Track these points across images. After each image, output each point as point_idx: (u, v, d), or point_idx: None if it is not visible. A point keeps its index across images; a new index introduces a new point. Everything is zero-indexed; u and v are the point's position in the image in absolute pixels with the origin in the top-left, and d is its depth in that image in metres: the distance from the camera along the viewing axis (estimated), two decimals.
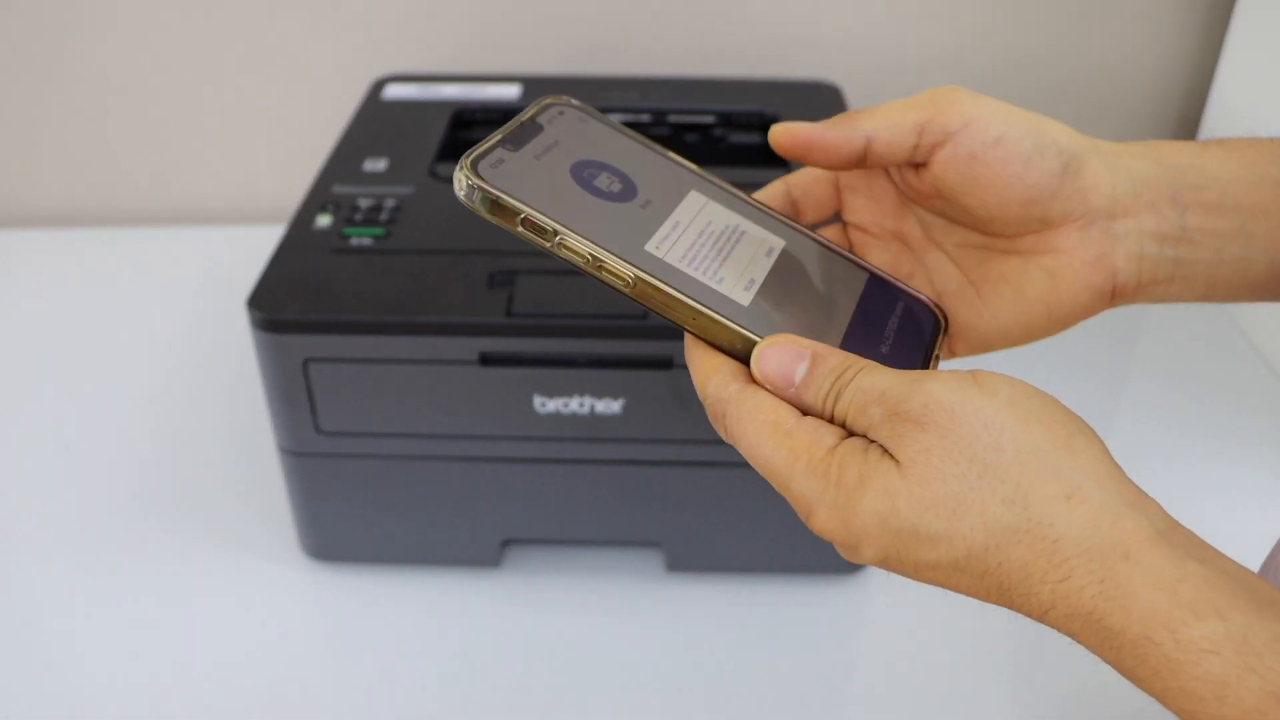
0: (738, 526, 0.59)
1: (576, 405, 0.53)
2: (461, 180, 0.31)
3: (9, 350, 0.79)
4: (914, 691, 0.56)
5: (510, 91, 0.75)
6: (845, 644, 0.58)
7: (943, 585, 0.29)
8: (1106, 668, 0.29)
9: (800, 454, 0.30)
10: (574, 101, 0.35)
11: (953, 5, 0.88)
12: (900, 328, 0.33)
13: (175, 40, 0.89)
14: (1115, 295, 0.35)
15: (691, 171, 0.36)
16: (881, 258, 0.38)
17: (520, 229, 0.31)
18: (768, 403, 0.31)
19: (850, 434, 0.30)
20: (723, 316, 0.31)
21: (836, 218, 0.40)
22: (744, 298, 0.32)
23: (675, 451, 0.55)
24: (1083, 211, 0.34)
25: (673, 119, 0.73)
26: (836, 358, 0.31)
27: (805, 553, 0.60)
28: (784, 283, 0.33)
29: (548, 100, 0.35)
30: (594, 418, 0.54)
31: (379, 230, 0.57)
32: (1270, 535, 0.65)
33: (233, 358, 0.76)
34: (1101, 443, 0.29)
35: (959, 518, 0.27)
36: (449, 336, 0.51)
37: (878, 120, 0.35)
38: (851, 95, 0.78)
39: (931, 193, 0.36)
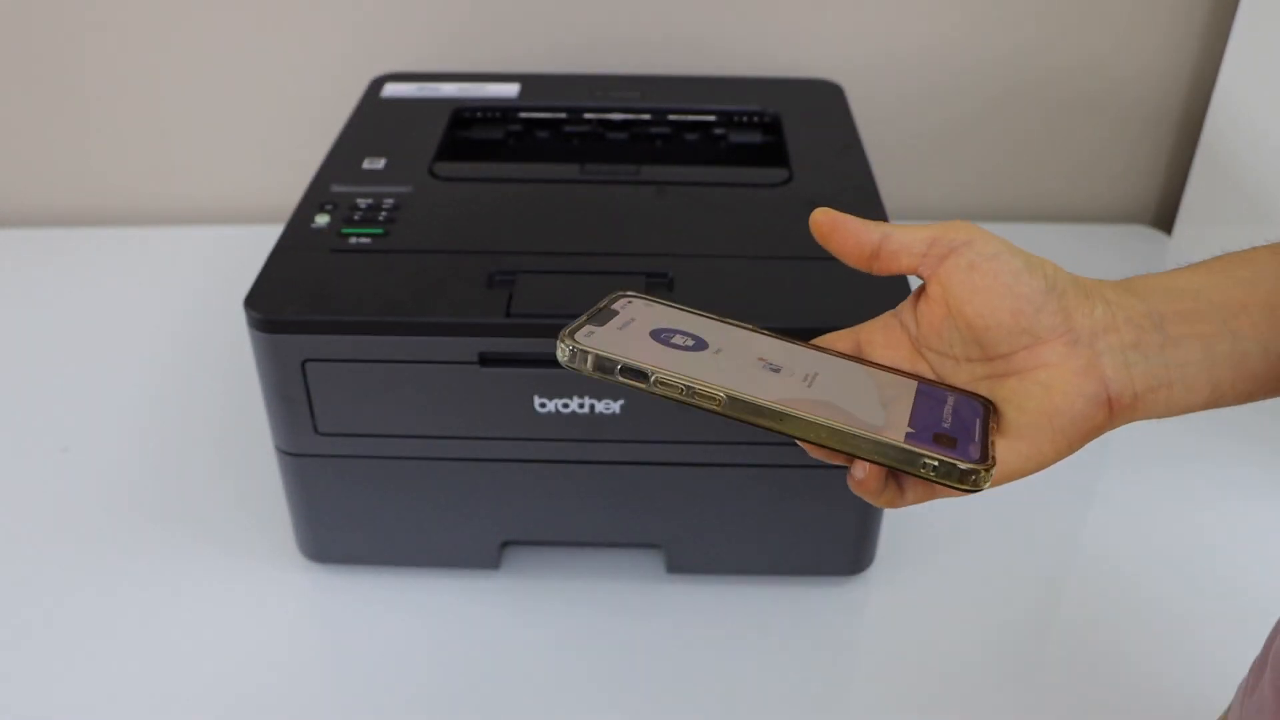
0: (738, 528, 0.58)
1: (576, 405, 0.53)
2: (565, 347, 0.37)
3: (7, 350, 0.79)
4: (913, 692, 0.55)
5: (509, 90, 0.74)
6: (845, 645, 0.58)
7: None
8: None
9: None
10: (633, 292, 0.42)
11: (955, 5, 0.88)
12: (955, 413, 0.38)
13: (174, 40, 0.88)
14: (1114, 405, 0.38)
15: (750, 330, 0.41)
16: None
17: (619, 377, 0.37)
18: None
19: None
20: (813, 415, 0.37)
21: None
22: (823, 402, 0.38)
23: (675, 452, 0.55)
24: (1066, 329, 0.38)
25: (673, 117, 0.72)
26: None
27: (805, 554, 0.59)
28: (849, 390, 0.39)
29: (616, 293, 0.41)
30: (594, 418, 0.53)
31: (378, 230, 0.57)
32: (1270, 539, 0.65)
33: (231, 358, 0.76)
34: None
35: None
36: (448, 336, 0.51)
37: (897, 227, 0.40)
38: (853, 94, 0.78)
39: (940, 312, 0.39)
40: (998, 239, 0.39)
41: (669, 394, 0.37)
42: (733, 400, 0.37)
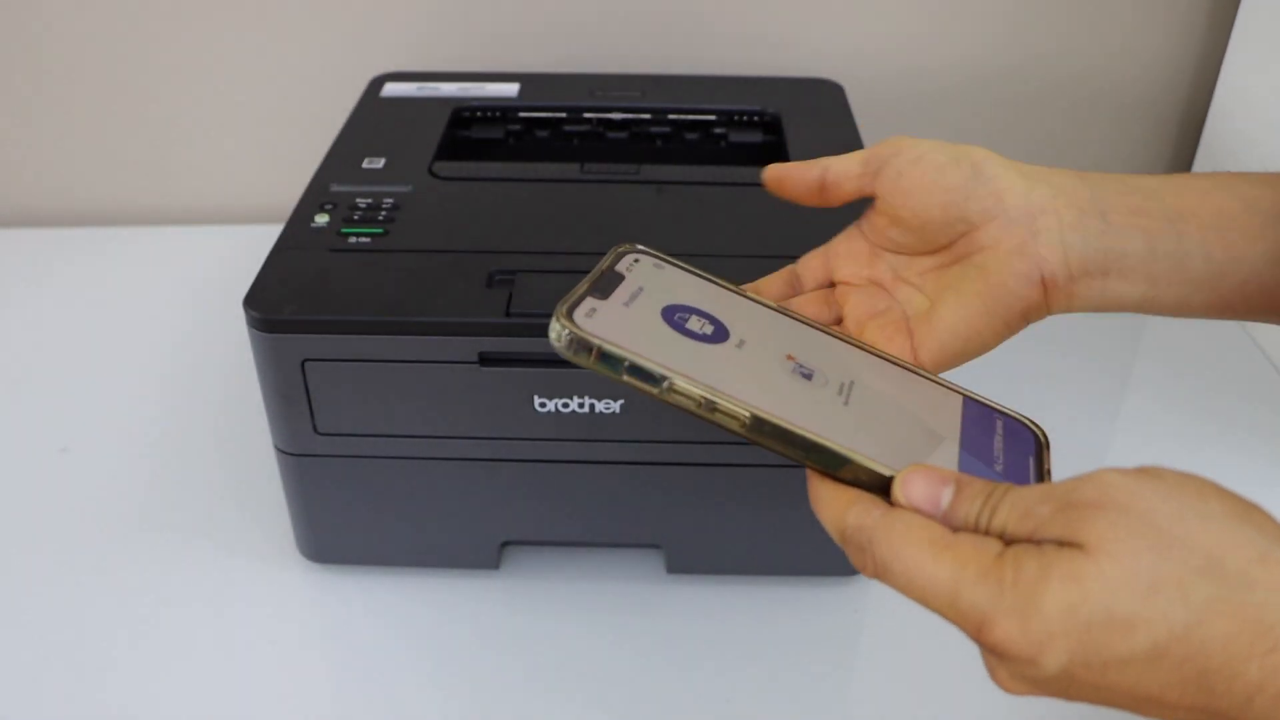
0: (738, 528, 0.58)
1: (576, 405, 0.53)
2: (560, 331, 0.31)
3: (6, 350, 0.79)
4: (914, 693, 0.55)
5: (509, 89, 0.74)
6: (845, 645, 0.58)
7: (1132, 690, 0.27)
8: None
9: (966, 563, 0.29)
10: (642, 247, 0.36)
11: (955, 4, 0.88)
12: (1006, 447, 0.34)
13: (174, 39, 0.88)
14: (1048, 286, 0.38)
15: (773, 310, 0.37)
16: (864, 300, 0.42)
17: (626, 377, 0.31)
18: (919, 521, 0.30)
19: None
20: (849, 449, 0.31)
21: (830, 285, 0.44)
22: (860, 428, 0.32)
23: (675, 452, 0.55)
24: (999, 211, 0.38)
25: (673, 117, 0.72)
26: (982, 482, 0.31)
27: (805, 554, 0.59)
28: (889, 411, 0.34)
29: (621, 249, 0.35)
30: (594, 417, 0.53)
31: (377, 229, 0.57)
32: None
33: (231, 358, 0.76)
34: (1274, 516, 0.29)
35: (1156, 593, 0.26)
36: (448, 336, 0.51)
37: (833, 159, 0.42)
38: (854, 93, 0.78)
39: (884, 220, 0.41)
40: (927, 142, 0.40)
41: (683, 404, 0.31)
42: (759, 421, 0.31)
